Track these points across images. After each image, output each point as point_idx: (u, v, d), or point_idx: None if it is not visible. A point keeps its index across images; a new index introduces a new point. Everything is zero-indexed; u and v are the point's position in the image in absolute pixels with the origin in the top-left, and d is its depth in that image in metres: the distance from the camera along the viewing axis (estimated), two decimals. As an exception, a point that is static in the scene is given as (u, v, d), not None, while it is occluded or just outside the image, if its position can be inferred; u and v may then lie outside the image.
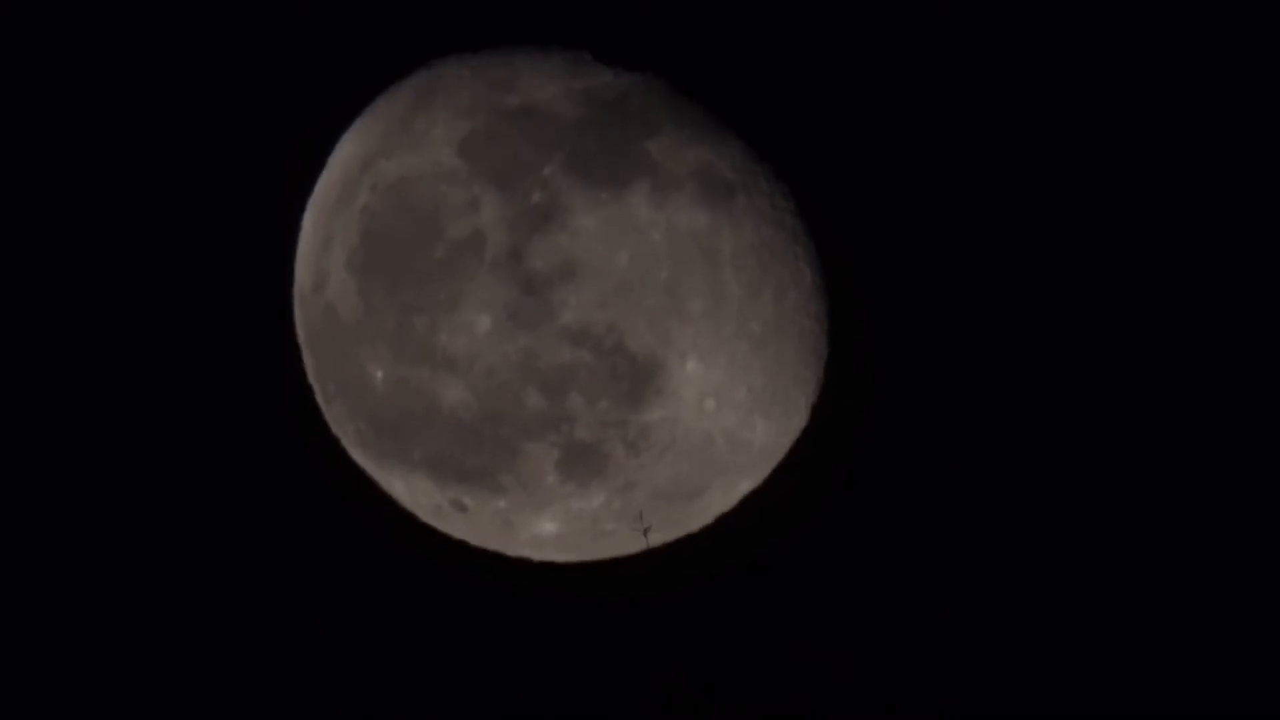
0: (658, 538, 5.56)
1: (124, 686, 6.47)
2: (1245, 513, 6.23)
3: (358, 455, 5.57)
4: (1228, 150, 6.12)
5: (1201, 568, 6.27)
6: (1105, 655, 6.31)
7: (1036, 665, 6.33)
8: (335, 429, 5.59)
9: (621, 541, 5.48)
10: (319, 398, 5.60)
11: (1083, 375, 6.26)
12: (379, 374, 5.13)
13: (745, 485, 5.56)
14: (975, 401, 6.23)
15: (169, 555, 6.50)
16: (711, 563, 5.94)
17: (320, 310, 5.32)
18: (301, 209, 5.56)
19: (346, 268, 5.16)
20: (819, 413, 5.52)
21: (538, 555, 5.62)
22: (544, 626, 6.38)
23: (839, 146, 5.54)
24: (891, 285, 5.89)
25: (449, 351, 4.94)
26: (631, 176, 4.92)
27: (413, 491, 5.44)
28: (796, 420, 5.47)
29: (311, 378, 5.60)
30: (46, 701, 6.42)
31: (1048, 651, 6.33)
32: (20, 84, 6.24)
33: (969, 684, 6.36)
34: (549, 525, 5.35)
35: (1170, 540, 6.28)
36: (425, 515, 5.59)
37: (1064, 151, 6.15)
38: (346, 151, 5.37)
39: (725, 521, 5.67)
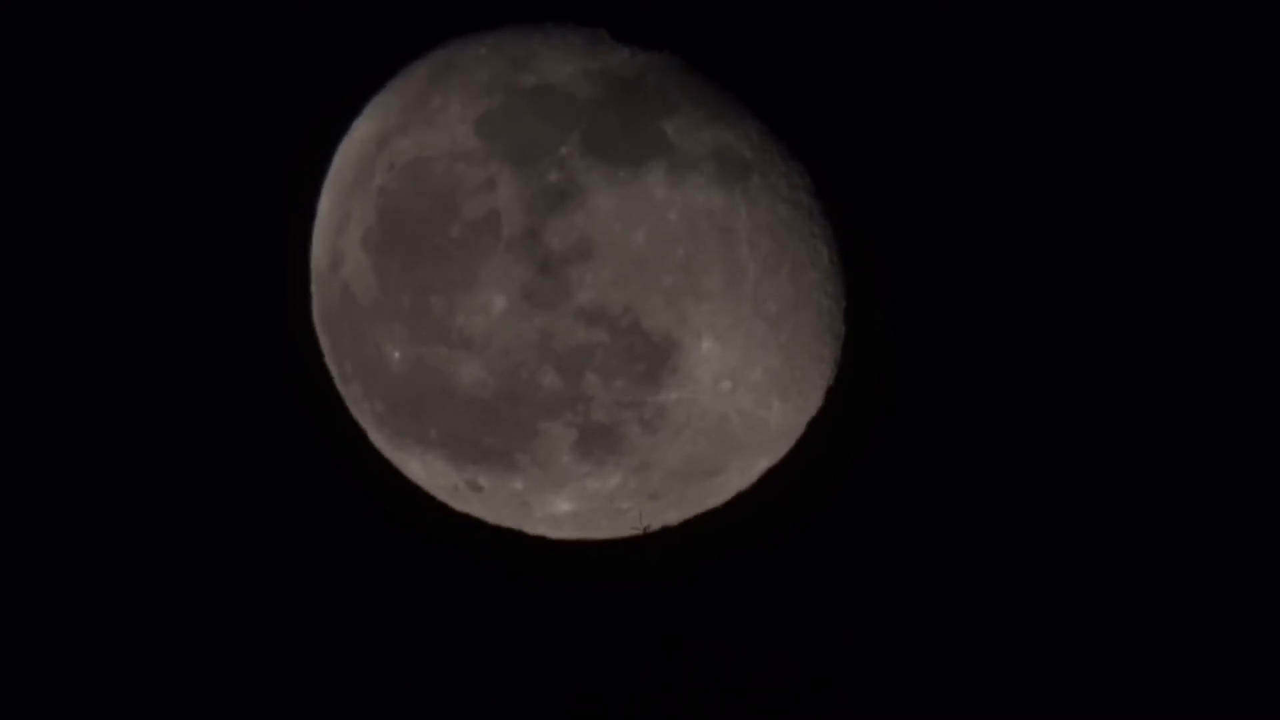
0: (674, 515, 5.57)
1: (137, 669, 6.50)
2: (1256, 517, 6.22)
3: (374, 435, 5.58)
4: (1254, 139, 6.09)
5: (1210, 565, 6.27)
6: (1133, 637, 6.32)
7: (1055, 652, 6.34)
8: (351, 409, 5.59)
9: (637, 521, 5.49)
10: (335, 378, 5.60)
11: (1097, 359, 6.25)
12: (395, 354, 5.13)
13: (762, 465, 5.55)
14: (993, 381, 6.22)
15: (184, 538, 6.52)
16: (727, 542, 5.95)
17: (336, 290, 5.32)
18: (318, 188, 5.55)
19: (363, 247, 5.16)
20: (836, 392, 5.51)
21: (553, 535, 5.62)
22: (560, 606, 6.39)
23: (856, 125, 5.53)
24: (909, 264, 5.88)
25: (465, 331, 4.94)
26: (648, 156, 4.90)
27: (429, 471, 5.44)
28: (813, 399, 5.46)
29: (328, 358, 5.61)
30: (56, 684, 6.45)
31: (1066, 638, 6.33)
32: (32, 61, 6.24)
33: (983, 665, 6.37)
34: (565, 505, 5.36)
35: (1199, 519, 6.28)
36: (441, 495, 5.60)
37: (1082, 134, 6.12)
38: (363, 130, 5.36)
39: (741, 501, 5.68)
